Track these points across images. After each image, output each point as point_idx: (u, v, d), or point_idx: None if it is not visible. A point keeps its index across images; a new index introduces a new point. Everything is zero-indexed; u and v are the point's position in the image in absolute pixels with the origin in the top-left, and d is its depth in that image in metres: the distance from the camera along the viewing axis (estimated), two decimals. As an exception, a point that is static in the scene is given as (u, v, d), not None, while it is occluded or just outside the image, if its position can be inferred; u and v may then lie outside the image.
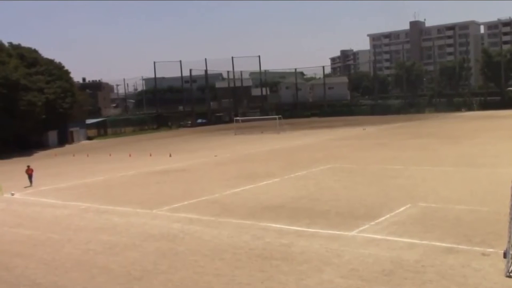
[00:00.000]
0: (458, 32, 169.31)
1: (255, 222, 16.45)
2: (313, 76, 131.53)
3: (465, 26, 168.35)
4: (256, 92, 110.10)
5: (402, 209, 17.05)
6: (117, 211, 20.10)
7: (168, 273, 12.16)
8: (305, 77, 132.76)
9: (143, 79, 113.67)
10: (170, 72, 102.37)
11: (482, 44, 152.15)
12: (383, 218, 16.01)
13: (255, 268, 12.05)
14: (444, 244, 12.87)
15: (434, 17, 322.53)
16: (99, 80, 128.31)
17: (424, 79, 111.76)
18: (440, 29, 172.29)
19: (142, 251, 14.15)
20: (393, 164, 27.95)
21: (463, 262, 11.54)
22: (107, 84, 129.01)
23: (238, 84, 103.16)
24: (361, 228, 14.93)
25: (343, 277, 11.12)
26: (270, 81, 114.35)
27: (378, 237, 13.98)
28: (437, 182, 21.83)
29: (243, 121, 70.61)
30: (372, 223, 15.47)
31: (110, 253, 14.24)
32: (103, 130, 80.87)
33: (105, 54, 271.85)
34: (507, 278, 10.39)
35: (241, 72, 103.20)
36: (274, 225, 16.00)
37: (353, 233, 14.55)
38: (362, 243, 13.56)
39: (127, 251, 14.25)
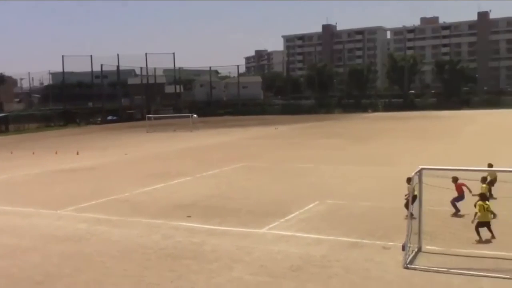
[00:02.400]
0: (367, 36, 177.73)
1: (165, 221, 16.22)
2: (228, 75, 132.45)
3: (373, 31, 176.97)
4: (169, 89, 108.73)
5: (311, 206, 17.56)
6: (19, 212, 18.98)
7: (73, 276, 11.68)
8: (219, 75, 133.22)
9: (50, 73, 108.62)
10: (80, 67, 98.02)
11: (388, 49, 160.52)
12: (292, 215, 16.39)
13: (165, 268, 11.89)
14: (349, 239, 13.43)
15: (345, 21, 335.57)
16: (1, 73, 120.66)
17: (335, 80, 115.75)
18: (350, 33, 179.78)
19: (45, 254, 13.47)
20: (304, 162, 28.71)
21: (366, 256, 12.10)
22: (10, 77, 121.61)
23: (151, 81, 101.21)
24: (271, 225, 15.20)
25: (252, 274, 11.26)
26: (184, 79, 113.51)
27: (288, 233, 14.31)
28: (344, 180, 22.73)
29: (155, 118, 69.30)
30: (282, 220, 15.80)
31: (11, 256, 13.43)
32: (4, 126, 76.22)
33: (8, 46, 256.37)
34: (405, 270, 11.04)
35: (154, 68, 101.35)
36: (185, 224, 15.87)
37: (264, 230, 14.77)
38: (272, 240, 13.81)
39: (29, 254, 13.51)
